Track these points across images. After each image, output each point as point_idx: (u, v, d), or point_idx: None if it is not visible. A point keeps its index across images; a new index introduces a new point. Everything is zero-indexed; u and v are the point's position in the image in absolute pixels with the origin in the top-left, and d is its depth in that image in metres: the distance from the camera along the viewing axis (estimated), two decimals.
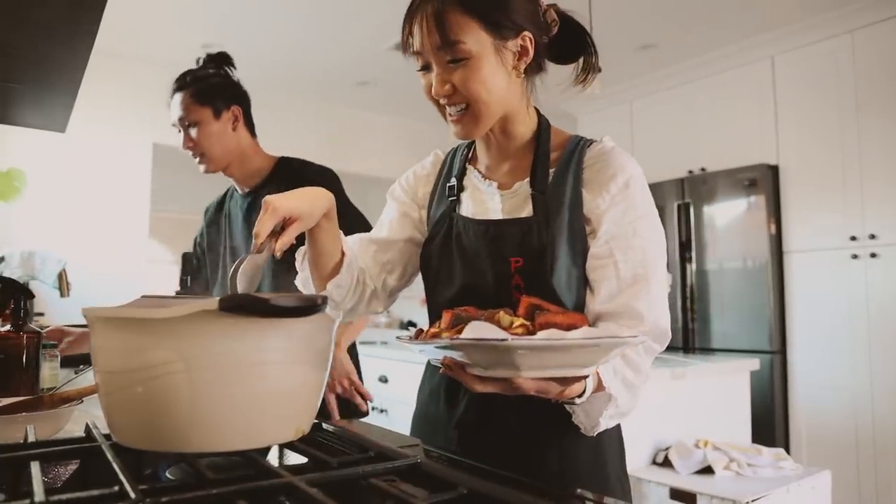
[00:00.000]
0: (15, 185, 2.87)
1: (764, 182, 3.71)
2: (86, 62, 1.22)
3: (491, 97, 0.92)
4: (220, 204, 1.87)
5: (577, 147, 0.99)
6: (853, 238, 3.42)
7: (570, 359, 0.69)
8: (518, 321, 0.72)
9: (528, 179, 0.98)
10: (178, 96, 1.65)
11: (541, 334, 0.68)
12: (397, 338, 0.84)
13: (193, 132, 1.64)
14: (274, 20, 3.79)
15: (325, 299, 0.62)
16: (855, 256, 3.41)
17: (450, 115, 0.95)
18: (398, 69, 4.54)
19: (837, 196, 3.50)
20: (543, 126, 1.02)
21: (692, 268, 4.01)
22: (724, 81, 4.10)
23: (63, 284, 2.54)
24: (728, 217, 3.87)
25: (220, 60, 1.72)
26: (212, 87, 1.66)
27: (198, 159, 1.68)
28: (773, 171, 3.76)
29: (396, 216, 1.13)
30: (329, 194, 0.95)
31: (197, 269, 1.90)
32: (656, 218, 0.97)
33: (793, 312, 3.66)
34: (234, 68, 1.75)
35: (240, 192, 1.77)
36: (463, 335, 0.68)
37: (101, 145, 4.12)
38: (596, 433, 0.92)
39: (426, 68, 0.93)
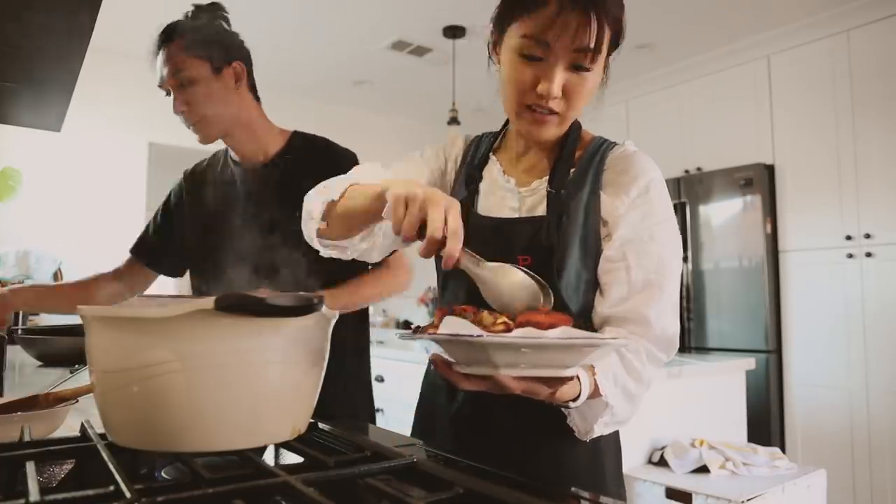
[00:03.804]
0: (10, 185, 2.86)
1: (760, 181, 3.73)
2: (81, 60, 1.21)
3: (581, 109, 0.93)
4: (205, 170, 1.59)
5: (600, 149, 0.99)
6: (849, 237, 3.43)
7: (547, 358, 0.68)
8: (501, 319, 0.71)
9: (546, 178, 0.97)
10: (166, 51, 1.35)
11: (517, 332, 0.67)
12: (399, 336, 0.84)
13: (188, 93, 1.34)
14: (270, 19, 3.79)
15: (321, 299, 0.62)
16: (850, 256, 3.42)
17: (537, 114, 0.91)
18: (395, 69, 4.54)
19: (833, 195, 3.52)
20: (574, 126, 1.00)
21: (688, 267, 4.02)
22: (720, 81, 4.11)
23: None
24: (724, 216, 3.88)
25: (212, 10, 1.43)
26: (208, 37, 1.35)
27: (192, 127, 1.38)
28: (769, 170, 3.77)
29: (428, 177, 1.07)
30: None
31: (154, 245, 1.63)
32: (675, 224, 0.96)
33: (788, 312, 3.67)
34: (228, 25, 1.46)
35: (236, 158, 1.50)
36: (439, 331, 0.68)
37: (97, 144, 4.12)
38: (589, 439, 0.91)
39: (537, 59, 0.87)
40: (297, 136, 1.51)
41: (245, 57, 1.44)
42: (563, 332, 0.68)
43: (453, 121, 4.03)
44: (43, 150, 3.82)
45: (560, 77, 0.86)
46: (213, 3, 1.44)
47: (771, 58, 3.84)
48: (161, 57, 1.37)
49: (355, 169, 1.04)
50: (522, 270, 0.79)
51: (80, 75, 1.30)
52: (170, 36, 1.37)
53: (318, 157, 1.44)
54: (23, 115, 1.63)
